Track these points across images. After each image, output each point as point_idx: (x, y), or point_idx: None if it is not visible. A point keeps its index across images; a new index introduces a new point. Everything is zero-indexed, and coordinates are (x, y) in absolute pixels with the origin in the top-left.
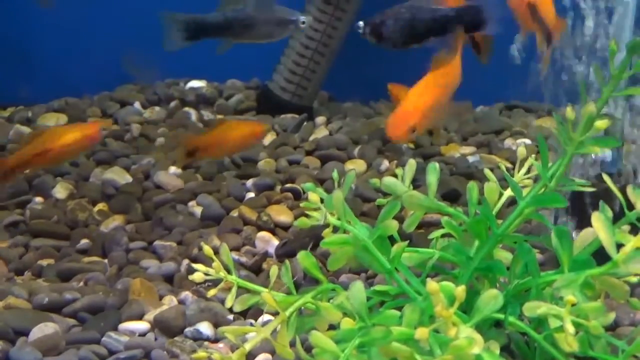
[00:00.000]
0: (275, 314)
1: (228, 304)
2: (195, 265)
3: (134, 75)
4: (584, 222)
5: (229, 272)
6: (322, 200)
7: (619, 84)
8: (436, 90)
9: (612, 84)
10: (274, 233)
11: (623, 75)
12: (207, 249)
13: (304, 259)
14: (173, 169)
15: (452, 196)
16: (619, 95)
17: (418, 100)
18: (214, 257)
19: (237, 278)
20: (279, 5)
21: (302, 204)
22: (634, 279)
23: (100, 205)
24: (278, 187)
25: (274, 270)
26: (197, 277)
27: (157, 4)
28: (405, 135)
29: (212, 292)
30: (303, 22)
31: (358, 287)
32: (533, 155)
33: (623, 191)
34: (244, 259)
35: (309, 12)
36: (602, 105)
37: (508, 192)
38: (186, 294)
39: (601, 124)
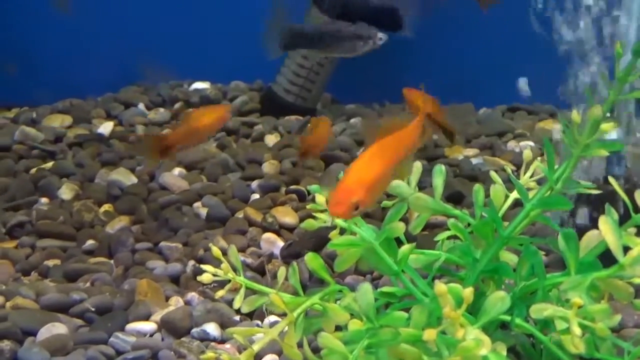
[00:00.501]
0: (281, 315)
1: (236, 305)
2: (204, 267)
3: (151, 79)
4: None
5: (235, 273)
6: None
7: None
8: (383, 161)
9: (618, 87)
10: (279, 234)
11: (629, 78)
12: (216, 251)
13: (312, 260)
14: (178, 170)
15: (455, 198)
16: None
17: (363, 174)
18: (222, 258)
19: (246, 279)
20: (362, 24)
21: (308, 206)
22: (637, 281)
23: (106, 206)
24: (283, 189)
25: (281, 272)
26: (206, 278)
27: (161, 6)
28: (347, 214)
29: (220, 293)
30: (380, 39)
31: (366, 289)
32: (539, 159)
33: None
34: (249, 260)
35: (313, 15)
36: (608, 108)
37: (513, 195)
38: (192, 295)
39: (607, 126)
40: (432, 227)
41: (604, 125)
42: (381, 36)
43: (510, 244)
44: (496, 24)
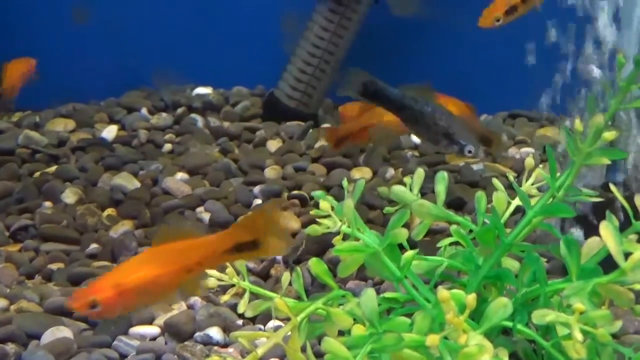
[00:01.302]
0: (284, 319)
1: (241, 309)
2: (209, 272)
3: (159, 84)
4: None
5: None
6: (332, 208)
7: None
8: (157, 268)
9: (620, 96)
10: None
11: (631, 87)
12: None
13: (316, 265)
14: (180, 175)
15: (456, 204)
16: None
17: (123, 276)
18: (227, 263)
19: (250, 284)
20: (460, 124)
21: (312, 212)
22: (638, 287)
23: (109, 211)
24: (285, 194)
25: (286, 277)
26: (212, 283)
27: (164, 12)
28: (80, 309)
29: (225, 298)
30: (470, 152)
31: (370, 295)
32: (541, 165)
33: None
34: (252, 265)
35: (316, 21)
36: (610, 117)
37: (515, 202)
38: (195, 299)
39: (609, 135)
40: (433, 233)
41: (607, 134)
42: (470, 149)
43: (512, 251)
44: (497, 30)
